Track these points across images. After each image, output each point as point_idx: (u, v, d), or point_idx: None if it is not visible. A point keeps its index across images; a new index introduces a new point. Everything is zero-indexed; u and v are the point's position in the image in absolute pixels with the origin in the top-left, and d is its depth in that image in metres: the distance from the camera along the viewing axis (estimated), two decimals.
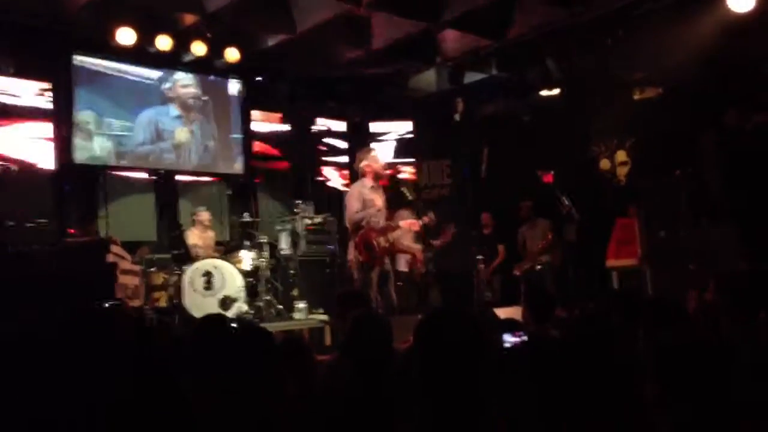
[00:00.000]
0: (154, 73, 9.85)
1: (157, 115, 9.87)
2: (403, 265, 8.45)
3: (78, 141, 9.13)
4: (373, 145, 10.52)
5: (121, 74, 9.58)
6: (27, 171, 8.70)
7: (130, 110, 9.66)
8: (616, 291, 7.44)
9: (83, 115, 9.19)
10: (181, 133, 10.09)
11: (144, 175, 9.81)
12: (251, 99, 10.70)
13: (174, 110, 10.03)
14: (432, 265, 9.25)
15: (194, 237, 8.87)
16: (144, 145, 9.77)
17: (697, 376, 2.09)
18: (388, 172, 7.28)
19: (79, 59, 9.17)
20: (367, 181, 6.90)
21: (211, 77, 10.36)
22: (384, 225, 6.88)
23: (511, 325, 5.32)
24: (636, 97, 9.94)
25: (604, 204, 9.25)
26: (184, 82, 10.09)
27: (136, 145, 9.69)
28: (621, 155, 10.08)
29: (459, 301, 8.94)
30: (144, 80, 9.79)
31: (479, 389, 2.22)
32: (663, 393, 2.12)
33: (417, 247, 8.07)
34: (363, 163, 6.95)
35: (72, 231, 8.45)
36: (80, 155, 9.14)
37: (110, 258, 5.53)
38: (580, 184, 9.23)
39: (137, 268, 7.01)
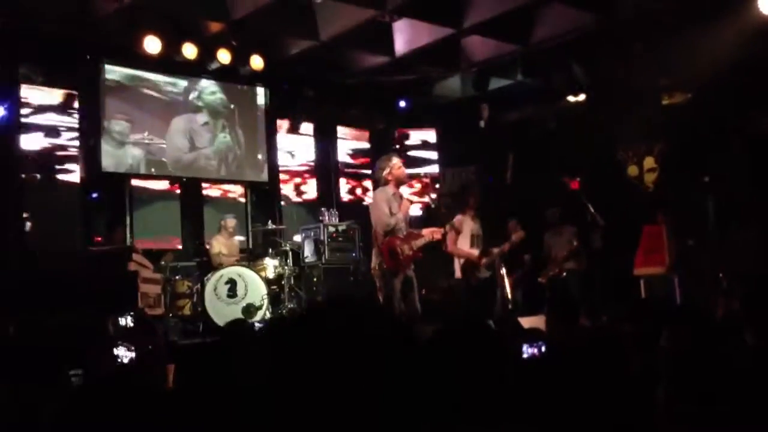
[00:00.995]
0: (181, 83, 9.94)
1: (190, 123, 9.96)
2: (458, 272, 8.23)
3: (107, 148, 9.21)
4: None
5: (150, 85, 9.67)
6: (53, 179, 8.80)
7: (161, 118, 9.74)
8: (642, 299, 7.30)
9: (114, 124, 9.29)
10: (221, 141, 10.19)
11: (165, 185, 9.86)
12: (275, 107, 10.72)
13: (203, 117, 10.11)
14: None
15: (219, 244, 8.91)
16: (183, 153, 9.84)
17: (714, 384, 2.02)
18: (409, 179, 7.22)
19: (108, 69, 9.27)
20: (390, 189, 6.85)
21: (239, 86, 10.42)
22: (407, 232, 6.83)
23: (534, 335, 5.25)
24: (664, 102, 9.80)
25: (631, 211, 9.11)
26: (211, 89, 10.16)
27: (175, 151, 9.75)
28: (649, 162, 9.94)
29: (480, 309, 8.86)
30: (172, 90, 9.87)
31: (496, 400, 2.17)
32: (678, 401, 2.05)
33: (475, 253, 7.91)
34: (385, 172, 6.90)
35: (98, 239, 8.53)
36: (108, 163, 9.22)
37: (132, 266, 5.55)
38: (607, 191, 9.10)
39: (158, 276, 7.04)
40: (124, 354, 3.27)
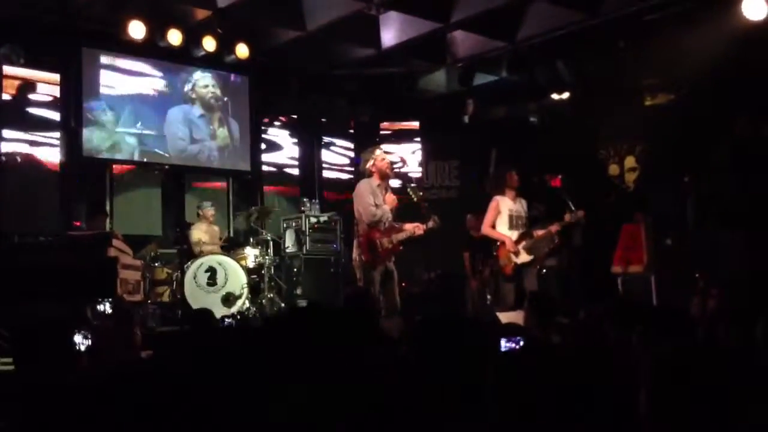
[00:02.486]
0: (175, 74, 9.90)
1: (187, 114, 9.94)
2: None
3: (98, 134, 9.15)
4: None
5: (142, 74, 9.63)
6: (34, 162, 8.72)
7: (155, 109, 9.69)
8: (618, 297, 7.37)
9: (101, 114, 9.22)
10: (222, 135, 10.20)
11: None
12: (260, 96, 10.68)
13: (198, 110, 10.07)
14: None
15: (200, 232, 8.87)
16: (186, 143, 9.82)
17: (693, 386, 2.04)
18: (393, 170, 7.13)
19: (94, 55, 9.19)
20: (374, 180, 6.87)
21: (232, 78, 10.39)
22: (389, 225, 6.85)
23: (512, 330, 5.29)
24: (647, 102, 9.89)
25: (611, 209, 9.20)
26: (203, 82, 10.11)
27: (177, 141, 9.73)
28: (630, 161, 10.02)
29: (456, 304, 8.88)
30: (165, 80, 9.84)
31: (473, 393, 2.19)
32: (658, 403, 2.08)
33: (511, 235, 7.46)
34: (369, 164, 6.93)
35: (77, 224, 8.47)
36: (93, 147, 9.14)
37: (112, 252, 5.53)
38: (588, 189, 9.16)
39: (138, 263, 7.01)
40: (81, 342, 3.22)
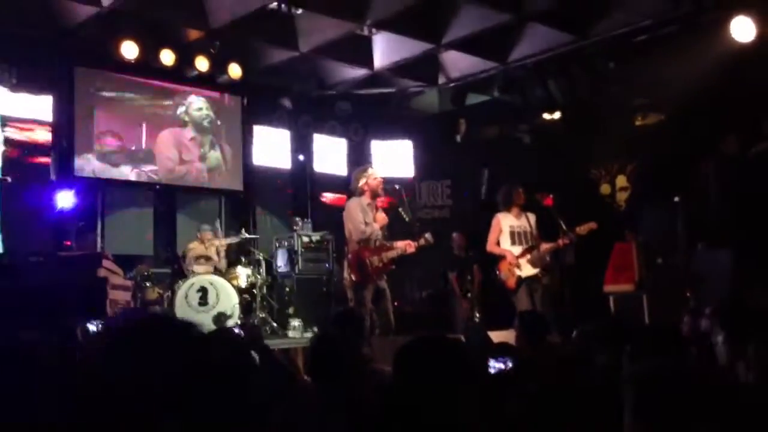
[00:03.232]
0: (168, 99, 9.96)
1: (177, 136, 9.98)
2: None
3: (96, 164, 9.23)
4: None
5: (137, 99, 9.68)
6: (26, 182, 8.69)
7: (148, 132, 9.74)
8: (609, 316, 7.37)
9: (103, 146, 9.31)
10: (214, 158, 10.25)
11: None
12: (253, 116, 10.70)
13: (189, 132, 10.10)
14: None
15: (196, 249, 8.85)
16: (175, 164, 9.85)
17: (679, 407, 2.03)
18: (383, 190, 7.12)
19: (91, 79, 9.27)
20: (365, 199, 6.87)
21: (226, 101, 10.43)
22: (380, 244, 6.84)
23: (504, 350, 5.28)
24: (637, 122, 9.94)
25: (603, 228, 9.20)
26: (197, 105, 10.16)
27: (166, 162, 9.77)
28: (621, 180, 10.07)
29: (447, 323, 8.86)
30: (159, 104, 9.89)
31: (461, 417, 2.17)
32: (642, 426, 2.07)
33: (512, 250, 7.35)
34: (361, 182, 6.92)
35: (68, 243, 8.44)
36: (85, 171, 9.17)
37: (102, 273, 5.50)
38: (580, 208, 9.19)
39: (129, 283, 6.99)
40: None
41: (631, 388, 1.84)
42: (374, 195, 6.90)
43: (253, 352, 3.08)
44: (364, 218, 6.74)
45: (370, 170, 7.06)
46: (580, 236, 7.27)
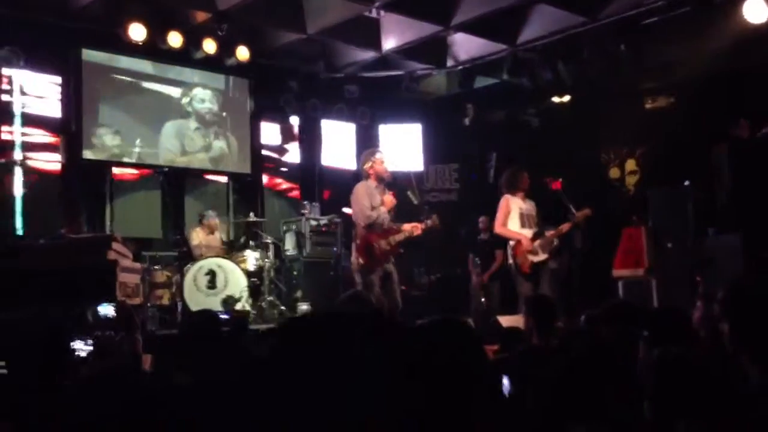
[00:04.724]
0: (174, 90, 9.96)
1: (181, 128, 9.97)
2: (509, 257, 7.85)
3: (95, 154, 9.22)
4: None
5: (143, 91, 9.69)
6: (33, 167, 8.71)
7: (151, 126, 9.75)
8: (619, 301, 7.34)
9: (106, 137, 9.29)
10: (218, 148, 10.25)
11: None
12: (260, 100, 10.66)
13: (193, 123, 10.09)
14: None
15: (199, 237, 8.86)
16: (176, 155, 9.87)
17: (698, 392, 2.03)
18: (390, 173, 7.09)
19: (103, 63, 9.26)
20: (371, 182, 6.87)
21: (230, 93, 10.42)
22: (387, 227, 6.84)
23: (513, 335, 5.26)
24: (647, 106, 9.87)
25: (612, 213, 9.17)
26: (200, 96, 10.13)
27: (167, 153, 9.80)
28: (630, 164, 10.01)
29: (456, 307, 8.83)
30: (165, 96, 9.88)
31: (472, 404, 2.16)
32: (663, 409, 2.06)
33: (527, 234, 7.25)
34: (366, 165, 6.93)
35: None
36: (92, 154, 9.18)
37: (111, 255, 5.50)
38: (589, 192, 9.15)
39: (138, 266, 6.99)
40: (81, 347, 3.20)
41: (654, 373, 1.83)
42: (380, 179, 6.90)
43: None
44: (371, 202, 6.73)
45: (377, 154, 7.04)
46: (578, 225, 7.26)
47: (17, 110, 8.69)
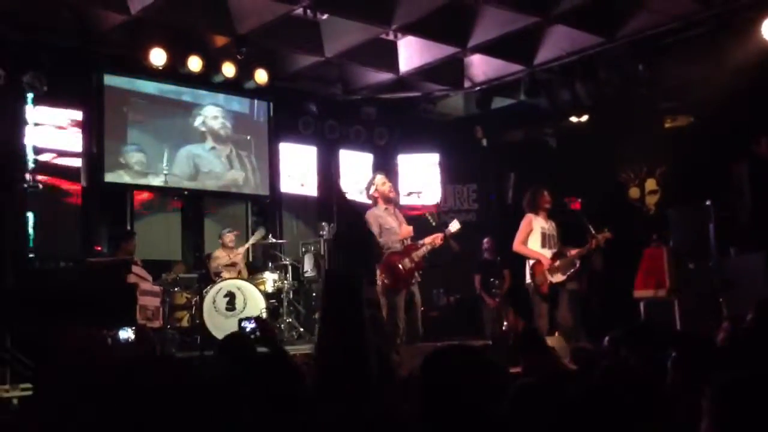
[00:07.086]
0: (189, 114, 9.99)
1: (195, 150, 9.96)
2: (527, 276, 7.63)
3: (120, 177, 9.30)
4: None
5: (166, 114, 9.79)
6: (55, 189, 8.79)
7: (171, 148, 9.78)
8: (642, 323, 7.26)
9: (131, 156, 9.38)
10: (237, 166, 10.25)
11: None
12: (279, 122, 10.72)
13: (209, 143, 10.12)
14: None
15: (219, 257, 8.89)
16: (186, 180, 9.85)
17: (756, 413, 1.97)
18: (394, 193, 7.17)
19: (124, 88, 9.37)
20: (381, 206, 6.95)
21: (255, 117, 10.48)
22: (407, 246, 6.88)
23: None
24: (667, 125, 9.81)
25: (632, 233, 9.09)
26: (212, 113, 10.15)
27: (180, 180, 9.79)
28: (651, 184, 9.93)
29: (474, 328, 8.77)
30: (182, 119, 9.94)
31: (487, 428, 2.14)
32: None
33: (546, 253, 7.30)
34: (371, 191, 7.01)
35: (98, 248, 8.50)
36: (114, 178, 9.25)
37: (131, 279, 5.53)
38: (609, 212, 9.08)
39: (158, 289, 7.03)
40: None
41: (709, 397, 1.81)
42: (387, 200, 6.96)
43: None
44: (379, 228, 6.80)
45: (377, 178, 7.14)
46: (598, 246, 7.21)
47: (38, 136, 8.76)
